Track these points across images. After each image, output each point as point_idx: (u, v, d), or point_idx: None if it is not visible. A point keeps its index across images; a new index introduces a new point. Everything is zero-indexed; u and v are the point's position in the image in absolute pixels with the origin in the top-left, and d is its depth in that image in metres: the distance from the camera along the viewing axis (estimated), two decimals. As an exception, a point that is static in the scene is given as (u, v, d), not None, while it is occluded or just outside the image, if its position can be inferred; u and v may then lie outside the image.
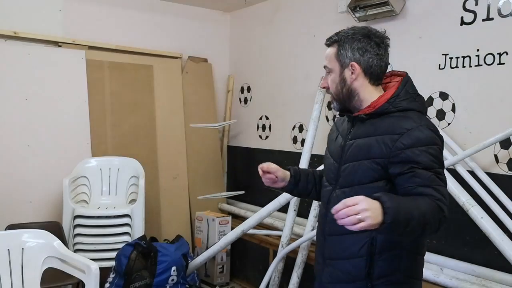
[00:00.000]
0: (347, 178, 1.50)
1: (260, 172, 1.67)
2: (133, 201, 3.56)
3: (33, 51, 3.68)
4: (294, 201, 3.24)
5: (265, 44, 4.32)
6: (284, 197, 3.02)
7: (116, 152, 3.91)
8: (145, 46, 4.27)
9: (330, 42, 1.56)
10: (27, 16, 3.71)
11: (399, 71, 1.57)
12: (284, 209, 3.20)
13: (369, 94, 1.51)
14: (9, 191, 3.44)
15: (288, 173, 1.72)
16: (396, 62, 3.16)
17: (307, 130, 3.42)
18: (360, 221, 1.21)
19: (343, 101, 1.55)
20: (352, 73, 1.50)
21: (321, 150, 3.51)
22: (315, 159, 3.51)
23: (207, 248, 3.71)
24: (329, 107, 3.61)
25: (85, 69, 3.87)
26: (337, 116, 1.72)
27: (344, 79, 1.51)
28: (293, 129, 3.97)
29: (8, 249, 2.32)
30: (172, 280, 3.07)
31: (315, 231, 3.03)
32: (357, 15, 3.22)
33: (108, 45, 4.05)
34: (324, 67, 1.57)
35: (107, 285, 3.06)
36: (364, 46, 1.49)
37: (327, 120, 3.63)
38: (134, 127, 4.11)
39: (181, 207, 4.29)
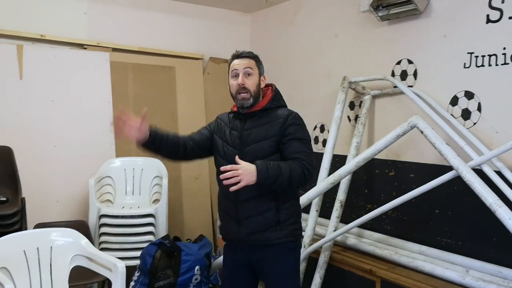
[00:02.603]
0: (253, 155, 2.06)
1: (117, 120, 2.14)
2: (156, 201, 3.61)
3: (59, 53, 3.77)
4: (316, 201, 3.23)
5: (286, 45, 4.32)
6: (306, 197, 3.02)
7: (140, 153, 3.95)
8: (167, 47, 4.32)
9: (251, 56, 2.22)
10: (53, 19, 3.79)
11: (269, 84, 2.31)
12: (306, 209, 3.19)
13: (261, 97, 2.24)
14: (37, 190, 3.52)
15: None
16: (420, 61, 3.12)
17: (328, 131, 3.40)
18: (240, 181, 1.88)
19: (256, 99, 2.18)
20: (262, 81, 2.25)
21: (342, 150, 3.51)
22: (336, 159, 3.50)
23: (229, 248, 3.71)
24: (351, 107, 3.59)
25: (109, 70, 3.95)
26: (221, 114, 2.44)
27: (259, 83, 2.22)
28: (314, 129, 3.96)
29: (38, 247, 2.38)
30: (196, 279, 3.09)
31: (337, 231, 3.04)
32: (380, 14, 3.19)
33: (131, 47, 4.11)
34: (248, 68, 2.17)
35: (132, 283, 3.10)
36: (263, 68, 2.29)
37: (349, 120, 3.60)
38: (157, 128, 4.15)
39: (203, 206, 4.33)
